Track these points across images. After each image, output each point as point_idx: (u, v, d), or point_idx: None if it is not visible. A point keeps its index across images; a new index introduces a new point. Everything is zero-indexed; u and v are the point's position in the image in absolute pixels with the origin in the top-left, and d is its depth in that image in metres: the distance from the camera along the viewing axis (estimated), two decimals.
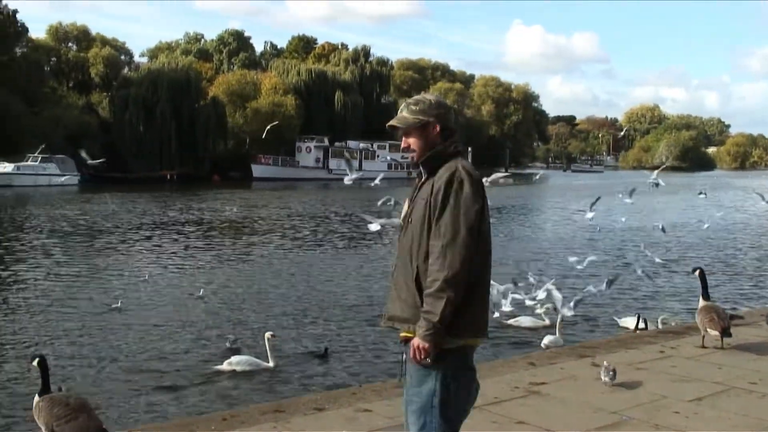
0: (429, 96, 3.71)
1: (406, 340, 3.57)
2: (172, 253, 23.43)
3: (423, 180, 3.63)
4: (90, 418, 5.36)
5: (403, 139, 3.65)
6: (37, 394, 5.65)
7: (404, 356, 3.68)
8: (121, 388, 9.94)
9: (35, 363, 5.86)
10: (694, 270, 9.15)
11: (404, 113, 3.65)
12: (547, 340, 11.60)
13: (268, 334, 10.83)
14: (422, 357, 3.44)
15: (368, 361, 11.36)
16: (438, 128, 3.60)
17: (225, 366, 10.55)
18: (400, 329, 3.61)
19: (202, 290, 16.02)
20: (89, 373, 10.64)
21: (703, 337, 8.27)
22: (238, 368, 10.45)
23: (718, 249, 25.55)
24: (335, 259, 22.71)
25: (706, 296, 8.54)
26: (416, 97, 3.72)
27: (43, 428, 5.40)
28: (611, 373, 6.69)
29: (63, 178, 55.22)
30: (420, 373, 3.51)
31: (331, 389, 8.64)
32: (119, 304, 14.41)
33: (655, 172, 22.85)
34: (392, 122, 3.66)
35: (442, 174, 3.49)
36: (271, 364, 10.60)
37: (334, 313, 14.59)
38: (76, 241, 26.17)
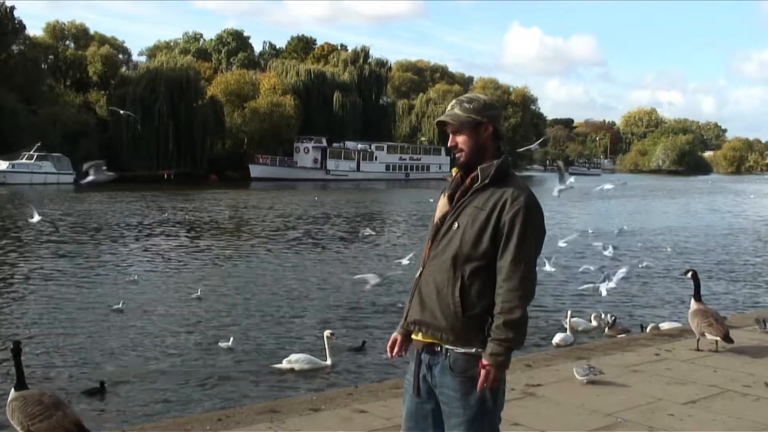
0: (482, 96, 3.59)
1: (431, 349, 3.46)
2: (167, 252, 23.39)
3: (479, 185, 3.42)
4: (66, 414, 5.26)
5: (451, 137, 3.52)
6: (13, 388, 5.47)
7: (423, 367, 3.50)
8: (120, 387, 9.94)
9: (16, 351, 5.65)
10: (687, 272, 9.19)
11: (456, 110, 3.49)
12: (558, 338, 11.80)
13: (327, 333, 10.96)
14: (495, 382, 3.33)
15: (365, 362, 11.38)
16: (490, 130, 3.48)
17: (284, 364, 10.60)
18: (422, 334, 3.47)
19: (199, 290, 16.02)
20: (86, 370, 10.65)
21: (698, 340, 8.29)
22: (297, 366, 10.53)
23: (712, 252, 25.58)
24: (328, 259, 22.70)
25: (698, 298, 8.57)
26: (469, 95, 3.58)
27: (18, 428, 5.26)
28: (586, 369, 6.86)
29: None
30: (466, 384, 3.37)
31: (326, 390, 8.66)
32: (120, 305, 14.38)
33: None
34: (443, 118, 3.52)
35: (518, 194, 3.35)
36: (328, 362, 10.69)
37: (332, 313, 14.62)
38: (72, 239, 26.14)
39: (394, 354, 3.66)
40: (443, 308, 3.38)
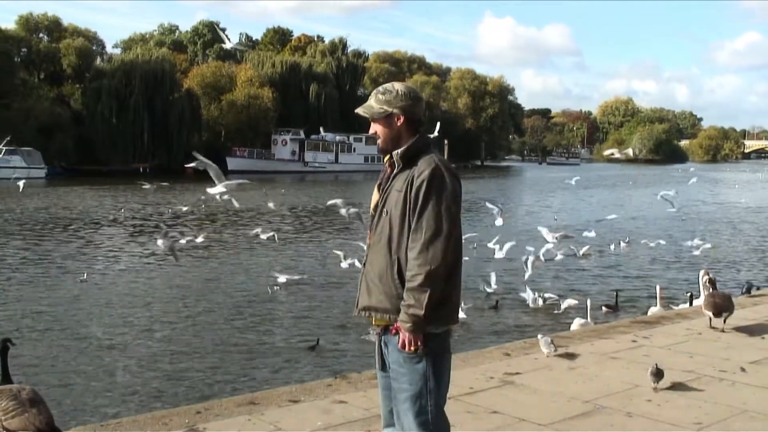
0: (398, 85, 3.68)
1: (386, 328, 3.60)
2: (132, 248, 23.17)
3: (397, 170, 3.60)
4: (40, 412, 5.20)
5: (372, 125, 3.68)
6: None
7: (382, 345, 3.67)
8: (89, 383, 9.89)
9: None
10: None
11: (371, 101, 3.66)
12: (576, 324, 11.67)
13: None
14: (413, 348, 3.47)
15: (346, 352, 11.39)
16: (402, 119, 3.61)
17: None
18: (375, 318, 3.61)
19: (173, 286, 15.91)
20: (57, 365, 10.57)
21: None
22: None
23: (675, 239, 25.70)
24: (301, 251, 22.65)
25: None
26: (386, 85, 3.71)
27: None
28: (552, 345, 7.21)
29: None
30: (409, 360, 3.52)
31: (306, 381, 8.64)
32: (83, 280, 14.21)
33: None
34: (358, 110, 3.69)
35: (422, 168, 3.48)
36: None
37: (318, 306, 14.61)
38: (38, 234, 25.90)
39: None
40: (387, 291, 3.54)
